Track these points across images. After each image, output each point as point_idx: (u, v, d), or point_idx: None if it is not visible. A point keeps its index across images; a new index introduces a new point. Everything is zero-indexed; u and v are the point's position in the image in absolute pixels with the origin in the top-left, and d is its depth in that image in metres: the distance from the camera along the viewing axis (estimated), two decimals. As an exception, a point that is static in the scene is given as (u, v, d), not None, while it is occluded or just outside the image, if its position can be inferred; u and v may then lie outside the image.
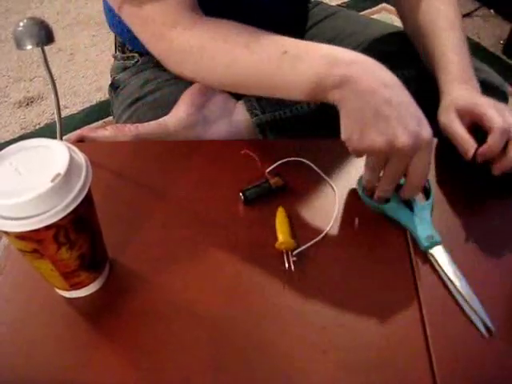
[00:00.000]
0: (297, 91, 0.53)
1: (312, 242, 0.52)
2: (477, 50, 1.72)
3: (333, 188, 0.57)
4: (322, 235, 0.53)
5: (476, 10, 1.88)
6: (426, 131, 0.48)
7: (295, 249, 0.51)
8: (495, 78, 0.73)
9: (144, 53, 0.81)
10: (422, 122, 0.48)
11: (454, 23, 0.67)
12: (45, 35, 0.46)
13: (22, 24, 0.45)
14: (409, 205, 0.55)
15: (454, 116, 0.59)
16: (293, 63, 0.52)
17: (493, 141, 0.55)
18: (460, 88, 0.61)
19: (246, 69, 0.55)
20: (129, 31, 0.76)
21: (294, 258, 0.51)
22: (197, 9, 0.59)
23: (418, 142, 0.47)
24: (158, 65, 0.81)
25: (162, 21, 0.56)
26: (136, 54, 0.83)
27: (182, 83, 0.72)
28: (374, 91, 0.48)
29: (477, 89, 0.62)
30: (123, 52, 0.84)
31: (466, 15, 1.88)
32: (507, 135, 0.55)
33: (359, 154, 0.52)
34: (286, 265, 0.50)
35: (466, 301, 0.47)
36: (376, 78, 0.49)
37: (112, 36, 0.87)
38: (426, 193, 0.57)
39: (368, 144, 0.49)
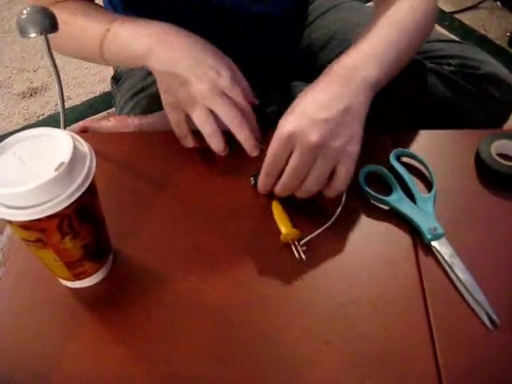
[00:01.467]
0: (121, 63, 0.63)
1: (318, 232, 0.52)
2: (483, 43, 1.70)
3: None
4: (327, 225, 0.53)
5: (482, 2, 1.86)
6: (224, 76, 0.54)
7: (301, 238, 0.51)
8: (502, 71, 0.72)
9: None
10: (219, 72, 0.54)
11: (398, 24, 0.58)
12: (49, 23, 0.46)
13: (25, 12, 0.45)
14: (412, 197, 0.55)
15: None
16: (113, 39, 0.59)
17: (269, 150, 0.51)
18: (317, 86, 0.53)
19: (85, 47, 0.63)
20: None
21: (304, 248, 0.51)
22: None
23: (215, 86, 0.53)
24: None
25: None
26: None
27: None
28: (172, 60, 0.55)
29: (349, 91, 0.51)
30: None
31: (472, 7, 1.86)
32: (290, 143, 0.49)
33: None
34: (296, 255, 0.50)
35: (469, 293, 0.47)
36: (173, 46, 0.55)
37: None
38: (429, 185, 0.57)
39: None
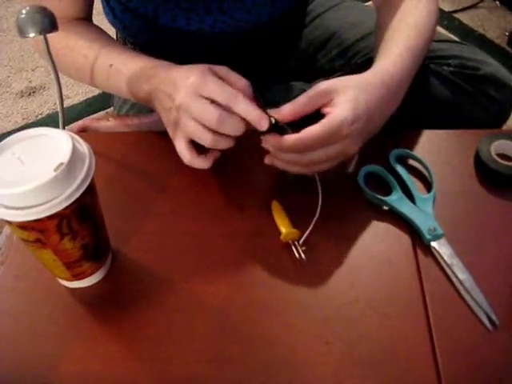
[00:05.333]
0: (130, 98, 0.61)
1: (311, 227, 0.52)
2: (482, 42, 1.70)
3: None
4: (315, 217, 0.53)
5: (481, 1, 1.86)
6: (191, 78, 0.49)
7: (300, 238, 0.51)
8: (501, 72, 0.72)
9: (144, 45, 0.81)
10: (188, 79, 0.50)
11: (420, 28, 0.59)
12: (48, 23, 0.45)
13: (24, 11, 0.45)
14: (411, 197, 0.55)
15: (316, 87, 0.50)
16: (115, 76, 0.59)
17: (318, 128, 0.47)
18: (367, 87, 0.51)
19: (88, 76, 0.62)
20: (127, 28, 0.76)
21: (304, 248, 0.51)
22: (74, 15, 0.65)
23: (185, 92, 0.49)
24: (158, 56, 0.80)
25: None
26: (137, 47, 0.82)
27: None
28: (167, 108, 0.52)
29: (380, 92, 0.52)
30: (124, 44, 0.84)
31: (471, 7, 1.86)
32: (339, 133, 0.47)
33: None
34: (296, 255, 0.50)
35: (469, 293, 0.47)
36: (169, 83, 0.52)
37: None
38: (428, 185, 0.57)
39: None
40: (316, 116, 0.50)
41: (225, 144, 0.50)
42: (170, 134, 0.54)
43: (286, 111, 0.50)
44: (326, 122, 0.47)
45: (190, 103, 0.49)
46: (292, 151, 0.49)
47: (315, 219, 0.53)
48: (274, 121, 0.49)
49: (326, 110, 0.49)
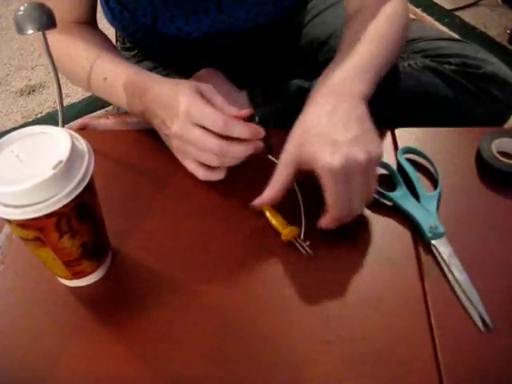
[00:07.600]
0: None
1: (304, 221, 0.52)
2: (483, 40, 1.70)
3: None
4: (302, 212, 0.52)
5: (482, -1, 1.86)
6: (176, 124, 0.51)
7: (300, 234, 0.51)
8: (503, 70, 0.72)
9: (143, 44, 0.80)
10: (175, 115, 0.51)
11: (381, 37, 0.59)
12: (46, 19, 0.45)
13: (22, 8, 0.45)
14: (415, 194, 0.54)
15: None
16: (110, 90, 0.60)
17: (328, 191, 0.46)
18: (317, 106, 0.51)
19: (87, 86, 0.64)
20: (126, 28, 0.76)
21: (308, 242, 0.51)
22: (75, 18, 0.65)
23: (179, 125, 0.51)
24: (157, 55, 0.80)
25: None
26: (136, 46, 0.82)
27: (182, 73, 0.71)
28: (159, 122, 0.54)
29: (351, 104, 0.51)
30: (123, 43, 0.84)
31: (473, 4, 1.86)
32: (342, 176, 0.45)
33: None
34: (303, 251, 0.50)
35: (465, 294, 0.47)
36: (160, 105, 0.53)
37: (112, 26, 0.86)
38: (432, 184, 0.56)
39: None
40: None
41: (232, 162, 0.52)
42: (177, 156, 0.56)
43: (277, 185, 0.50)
44: (327, 188, 0.47)
45: (186, 134, 0.51)
46: (337, 210, 0.48)
47: (303, 215, 0.53)
48: (257, 119, 0.53)
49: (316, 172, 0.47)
